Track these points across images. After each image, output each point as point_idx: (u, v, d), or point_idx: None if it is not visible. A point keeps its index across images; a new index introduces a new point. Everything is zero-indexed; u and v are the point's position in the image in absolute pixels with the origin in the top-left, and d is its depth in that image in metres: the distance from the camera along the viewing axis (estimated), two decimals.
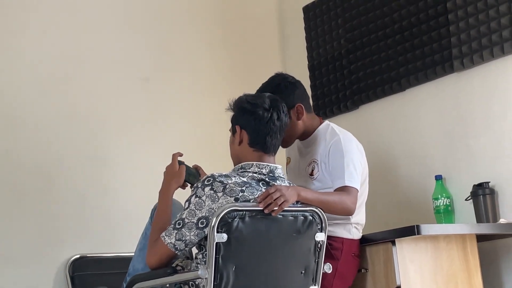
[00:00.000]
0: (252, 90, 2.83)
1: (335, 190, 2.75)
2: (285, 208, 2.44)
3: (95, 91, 3.67)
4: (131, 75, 3.79)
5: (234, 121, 2.62)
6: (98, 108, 3.66)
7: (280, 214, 2.43)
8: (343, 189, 2.72)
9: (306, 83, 4.00)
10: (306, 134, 2.93)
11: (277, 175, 2.55)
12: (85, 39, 3.69)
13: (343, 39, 3.91)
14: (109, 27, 3.78)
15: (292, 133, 2.86)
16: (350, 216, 2.80)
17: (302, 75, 4.11)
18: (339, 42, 3.93)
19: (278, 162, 2.68)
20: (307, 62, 4.11)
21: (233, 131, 2.62)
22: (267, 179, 2.51)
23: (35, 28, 3.56)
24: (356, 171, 2.77)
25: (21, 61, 3.50)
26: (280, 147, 2.77)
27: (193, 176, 2.73)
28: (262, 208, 2.39)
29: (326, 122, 2.96)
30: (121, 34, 3.80)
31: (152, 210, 2.73)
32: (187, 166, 2.71)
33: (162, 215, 2.56)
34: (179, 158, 2.71)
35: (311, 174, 2.87)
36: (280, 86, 2.84)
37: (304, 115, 2.86)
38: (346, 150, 2.79)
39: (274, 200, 2.39)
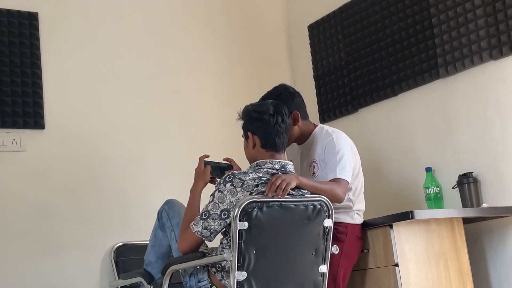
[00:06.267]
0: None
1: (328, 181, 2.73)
2: (297, 199, 2.43)
3: (134, 104, 3.65)
4: (163, 88, 3.76)
5: (245, 128, 2.59)
6: (138, 117, 3.64)
7: (292, 204, 2.41)
8: (335, 180, 2.68)
9: (312, 91, 4.08)
10: (303, 138, 2.88)
11: (288, 169, 2.53)
12: (122, 62, 3.65)
13: (343, 52, 3.84)
14: (141, 48, 3.73)
15: (289, 135, 2.77)
16: (352, 204, 2.79)
17: (309, 84, 4.14)
18: (340, 55, 3.87)
19: None
20: (313, 73, 4.04)
21: (246, 137, 2.59)
22: (279, 173, 2.48)
23: (80, 52, 3.54)
24: (347, 165, 2.72)
25: (74, 81, 3.49)
26: None
27: (221, 170, 2.68)
28: (271, 197, 2.36)
29: (320, 125, 2.91)
30: (154, 53, 3.74)
31: (158, 212, 2.75)
32: (215, 163, 2.67)
33: (191, 209, 2.55)
34: (207, 159, 2.66)
35: (313, 173, 2.81)
36: (281, 95, 2.81)
37: (300, 122, 2.82)
38: (338, 147, 2.74)
39: (277, 186, 2.38)
